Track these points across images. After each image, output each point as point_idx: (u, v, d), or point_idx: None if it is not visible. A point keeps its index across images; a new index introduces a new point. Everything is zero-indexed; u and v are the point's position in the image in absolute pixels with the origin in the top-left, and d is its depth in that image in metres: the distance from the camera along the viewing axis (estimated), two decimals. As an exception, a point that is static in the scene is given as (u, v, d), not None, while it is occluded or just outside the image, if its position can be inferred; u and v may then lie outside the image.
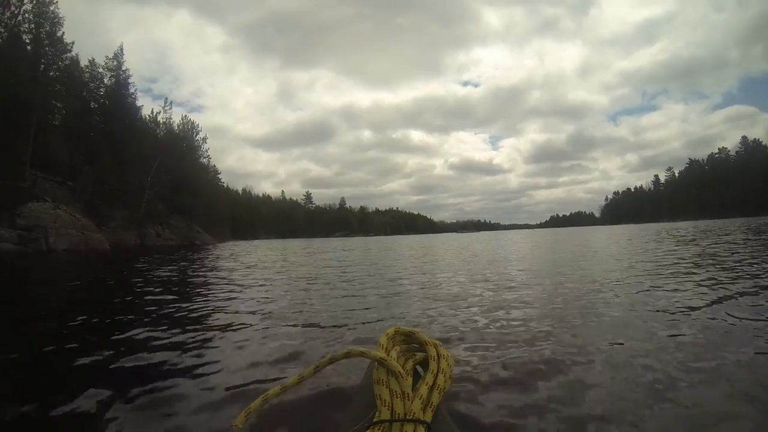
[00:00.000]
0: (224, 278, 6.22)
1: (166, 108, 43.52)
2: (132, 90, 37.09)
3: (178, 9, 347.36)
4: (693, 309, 2.83)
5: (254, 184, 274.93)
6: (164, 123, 42.52)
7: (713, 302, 3.02)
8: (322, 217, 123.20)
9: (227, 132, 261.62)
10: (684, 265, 5.51)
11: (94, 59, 36.37)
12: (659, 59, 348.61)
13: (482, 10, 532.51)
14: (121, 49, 37.01)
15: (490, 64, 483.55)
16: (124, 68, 36.42)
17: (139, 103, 39.29)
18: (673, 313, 2.73)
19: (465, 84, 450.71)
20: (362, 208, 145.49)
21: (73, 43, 32.02)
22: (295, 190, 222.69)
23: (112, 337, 2.53)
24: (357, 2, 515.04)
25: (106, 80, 35.99)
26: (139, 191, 31.72)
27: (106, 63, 35.84)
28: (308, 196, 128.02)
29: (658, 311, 2.83)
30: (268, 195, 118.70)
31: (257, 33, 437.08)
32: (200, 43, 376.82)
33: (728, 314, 2.61)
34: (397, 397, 0.64)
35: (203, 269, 8.07)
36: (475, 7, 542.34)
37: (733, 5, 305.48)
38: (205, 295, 4.40)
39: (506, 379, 1.68)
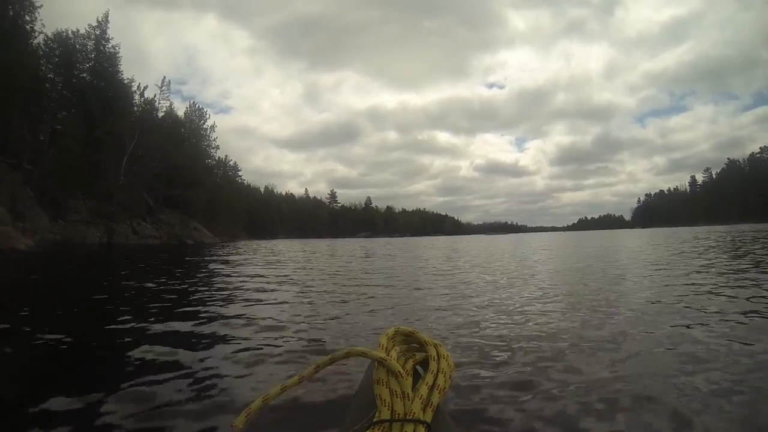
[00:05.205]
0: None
1: (163, 89, 38.12)
2: (118, 62, 31.85)
3: (205, 13, 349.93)
4: None
5: (281, 183, 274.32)
6: (150, 101, 36.10)
7: None
8: (346, 216, 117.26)
9: (254, 132, 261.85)
10: None
11: (78, 30, 31.70)
12: (686, 59, 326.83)
13: (508, 14, 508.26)
14: (106, 17, 32.01)
15: (516, 66, 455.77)
16: (107, 37, 31.39)
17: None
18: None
19: (491, 86, 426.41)
20: (389, 208, 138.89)
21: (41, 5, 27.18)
22: (320, 190, 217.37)
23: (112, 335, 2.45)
24: (383, 5, 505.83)
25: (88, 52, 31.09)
26: (113, 178, 26.16)
27: (87, 32, 30.93)
28: (333, 195, 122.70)
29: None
30: (291, 193, 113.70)
31: (283, 36, 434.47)
32: (227, 47, 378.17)
33: None
34: (397, 397, 0.64)
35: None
36: (501, 11, 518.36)
37: (761, 3, 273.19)
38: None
39: (507, 379, 1.66)
